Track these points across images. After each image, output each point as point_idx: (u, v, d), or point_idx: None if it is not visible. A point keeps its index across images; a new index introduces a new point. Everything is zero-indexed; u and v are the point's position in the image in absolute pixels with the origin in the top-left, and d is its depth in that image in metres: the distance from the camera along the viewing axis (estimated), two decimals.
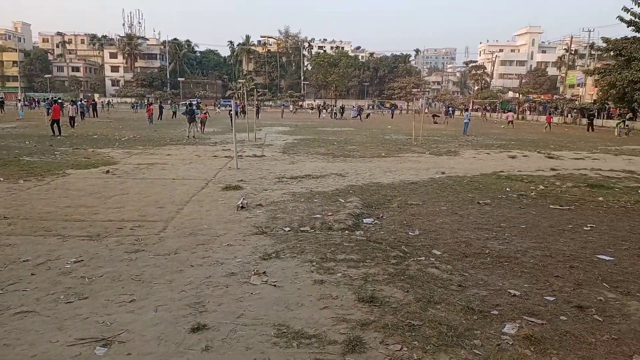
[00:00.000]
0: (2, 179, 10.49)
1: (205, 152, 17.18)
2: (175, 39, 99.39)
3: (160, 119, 38.45)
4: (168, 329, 3.88)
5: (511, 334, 3.83)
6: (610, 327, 4.01)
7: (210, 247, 6.02)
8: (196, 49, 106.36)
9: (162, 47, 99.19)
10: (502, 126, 40.73)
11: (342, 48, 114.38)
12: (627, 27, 35.39)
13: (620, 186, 11.19)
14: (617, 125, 33.37)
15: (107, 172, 11.87)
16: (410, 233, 6.84)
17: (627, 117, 36.35)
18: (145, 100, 63.01)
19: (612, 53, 38.13)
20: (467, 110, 38.85)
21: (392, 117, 56.55)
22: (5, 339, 3.69)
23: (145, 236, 6.47)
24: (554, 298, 4.58)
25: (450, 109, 54.69)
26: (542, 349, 3.60)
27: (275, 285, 4.79)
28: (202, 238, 6.41)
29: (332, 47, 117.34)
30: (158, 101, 59.32)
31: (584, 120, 48.85)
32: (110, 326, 3.92)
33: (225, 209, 8.11)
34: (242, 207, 8.06)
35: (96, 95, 77.81)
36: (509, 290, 4.74)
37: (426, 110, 50.86)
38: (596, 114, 42.03)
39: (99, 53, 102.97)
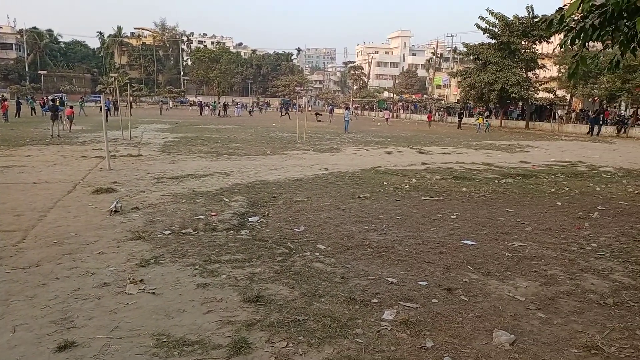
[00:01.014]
0: None
1: (72, 152, 15.68)
2: (34, 28, 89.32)
3: (18, 116, 34.34)
4: (29, 351, 3.46)
5: (390, 319, 4.05)
6: (475, 305, 4.43)
7: (79, 257, 5.48)
8: (60, 39, 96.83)
9: (18, 36, 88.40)
10: (379, 124, 43.13)
11: (224, 44, 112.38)
12: (483, 33, 39.63)
13: (480, 177, 12.46)
14: (476, 121, 37.24)
15: None
16: (295, 229, 6.91)
17: (485, 115, 40.68)
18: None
19: (471, 57, 42.41)
20: (347, 108, 40.51)
21: (281, 115, 56.67)
22: None
23: (0, 248, 5.70)
24: (426, 283, 4.94)
25: (331, 107, 56.78)
26: (417, 332, 3.86)
27: (154, 293, 4.51)
28: (69, 247, 5.82)
29: (213, 43, 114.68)
30: (15, 96, 52.90)
31: (450, 118, 53.83)
32: None
33: (96, 214, 7.46)
34: (115, 211, 7.48)
35: None
36: (387, 279, 5.01)
37: (309, 109, 52.05)
38: (464, 112, 46.39)
39: None
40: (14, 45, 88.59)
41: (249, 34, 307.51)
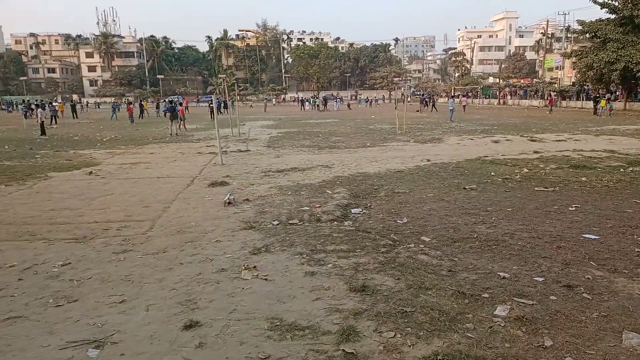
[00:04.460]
0: None
1: (189, 149, 17.03)
2: (152, 36, 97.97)
3: (142, 118, 37.96)
4: (160, 328, 3.85)
5: (502, 315, 3.88)
6: (599, 304, 4.08)
7: (199, 244, 5.98)
8: (174, 45, 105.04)
9: (139, 44, 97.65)
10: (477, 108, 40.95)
11: (322, 39, 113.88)
12: (601, 8, 35.83)
13: (603, 166, 11.36)
14: (599, 105, 33.72)
15: (90, 173, 11.69)
16: (398, 221, 6.87)
17: (606, 97, 36.79)
18: (125, 100, 62.06)
19: (587, 35, 38.53)
20: (452, 97, 39.00)
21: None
22: None
23: (132, 236, 6.39)
24: (542, 279, 4.64)
25: (425, 97, 52.90)
26: (533, 329, 3.65)
27: (266, 279, 4.78)
28: (191, 235, 6.36)
29: (311, 39, 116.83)
30: (139, 99, 58.56)
31: (565, 103, 49.56)
32: (101, 328, 3.88)
33: (212, 206, 8.05)
34: (229, 203, 8.01)
35: (75, 96, 76.41)
36: (498, 273, 4.79)
37: (409, 99, 50.96)
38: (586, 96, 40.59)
39: (74, 53, 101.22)
40: (135, 53, 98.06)
41: (346, 28, 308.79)
